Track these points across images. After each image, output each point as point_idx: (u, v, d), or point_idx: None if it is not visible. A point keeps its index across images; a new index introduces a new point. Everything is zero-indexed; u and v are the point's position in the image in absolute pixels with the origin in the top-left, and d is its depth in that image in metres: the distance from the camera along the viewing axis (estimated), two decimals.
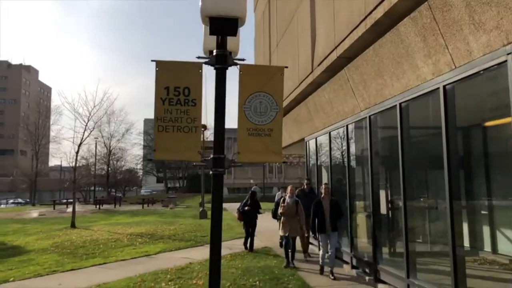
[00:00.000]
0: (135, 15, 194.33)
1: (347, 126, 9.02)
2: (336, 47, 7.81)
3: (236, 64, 3.93)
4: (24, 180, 53.28)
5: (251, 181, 56.13)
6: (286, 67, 4.11)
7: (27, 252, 12.16)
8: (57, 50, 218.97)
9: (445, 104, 5.43)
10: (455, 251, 5.42)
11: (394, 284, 6.90)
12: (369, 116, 7.78)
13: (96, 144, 49.52)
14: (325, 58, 8.49)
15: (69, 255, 11.42)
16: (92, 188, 51.25)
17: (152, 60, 3.88)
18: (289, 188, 9.77)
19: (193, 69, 3.91)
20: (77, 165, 21.81)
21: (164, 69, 3.89)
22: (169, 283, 7.80)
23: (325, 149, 10.76)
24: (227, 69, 3.92)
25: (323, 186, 8.81)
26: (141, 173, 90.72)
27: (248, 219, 11.59)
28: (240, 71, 3.97)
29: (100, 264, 9.96)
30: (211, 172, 3.82)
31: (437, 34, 5.05)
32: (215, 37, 3.90)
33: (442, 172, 5.93)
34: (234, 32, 3.84)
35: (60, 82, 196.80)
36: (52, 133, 54.72)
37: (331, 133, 10.14)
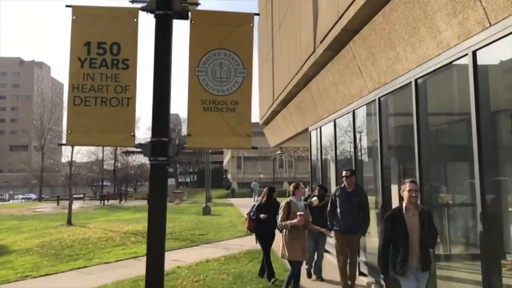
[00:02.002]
0: None
1: (353, 111, 7.83)
2: (340, 18, 6.62)
3: (185, 10, 2.81)
4: (35, 175, 53.04)
5: (261, 175, 55.06)
6: (257, 14, 2.97)
7: (8, 253, 11.31)
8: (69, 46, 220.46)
9: (475, 77, 4.24)
10: (486, 255, 4.25)
11: None
12: (379, 98, 6.59)
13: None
14: (328, 33, 7.31)
15: (51, 256, 10.50)
16: (103, 183, 50.87)
17: (67, 6, 2.78)
18: (300, 188, 6.33)
19: (125, 17, 2.80)
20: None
21: (83, 17, 2.79)
22: None
23: (330, 139, 9.59)
24: (173, 17, 2.80)
25: (407, 185, 4.38)
26: None
27: (264, 232, 7.39)
28: (191, 20, 2.85)
29: (79, 268, 9.00)
30: (149, 162, 2.73)
31: None
32: None
33: (468, 164, 4.77)
34: None
35: None
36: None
37: (336, 121, 8.97)
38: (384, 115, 6.73)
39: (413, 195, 4.33)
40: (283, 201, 6.36)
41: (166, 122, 2.73)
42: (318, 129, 10.52)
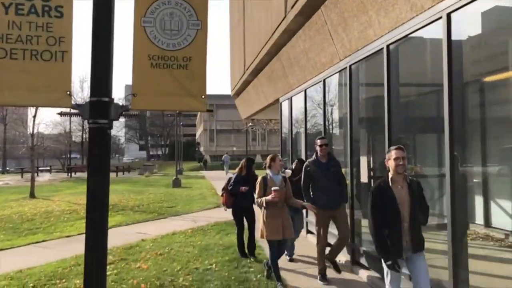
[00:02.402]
0: None
1: (324, 81, 7.60)
2: None
3: None
4: None
5: (234, 148, 54.90)
6: None
7: None
8: None
9: (448, 42, 4.04)
10: (455, 225, 4.18)
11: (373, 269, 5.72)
12: (350, 66, 6.36)
13: (70, 110, 47.23)
14: None
15: (8, 230, 10.03)
16: (75, 156, 49.38)
17: None
18: (277, 160, 5.67)
19: None
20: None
21: None
22: (108, 267, 6.48)
23: (301, 111, 9.37)
24: None
25: (393, 152, 3.80)
26: (123, 141, 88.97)
27: (244, 207, 6.82)
28: None
29: (38, 242, 8.61)
30: (88, 125, 2.40)
31: None
32: None
33: (437, 136, 4.66)
34: None
35: None
36: None
37: (307, 91, 8.73)
38: (355, 84, 6.53)
39: (400, 163, 3.68)
40: (260, 175, 5.87)
41: (107, 79, 2.38)
42: (289, 100, 10.28)
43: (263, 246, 7.05)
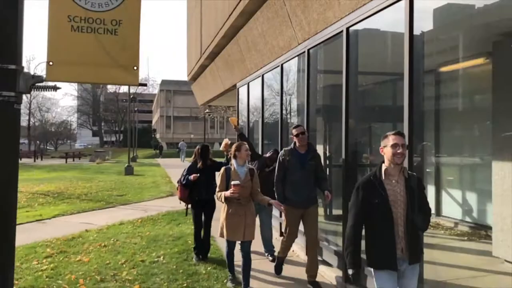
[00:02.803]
0: None
1: (281, 65, 7.32)
2: None
3: None
4: None
5: (192, 136, 54.01)
6: None
7: None
8: None
9: (410, 25, 3.85)
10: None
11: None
12: (308, 50, 6.10)
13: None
14: None
15: None
16: (23, 141, 46.57)
17: None
18: (243, 149, 4.78)
19: None
20: None
21: None
22: (45, 260, 5.95)
23: (258, 97, 9.07)
24: None
25: (391, 138, 3.01)
26: (75, 126, 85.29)
27: (202, 200, 5.92)
28: None
29: None
30: None
31: None
32: None
33: (396, 126, 4.52)
34: None
35: None
36: None
37: (265, 76, 8.43)
38: (313, 69, 6.30)
39: (399, 151, 2.92)
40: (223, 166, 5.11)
41: (13, 42, 1.95)
42: (246, 86, 9.95)
43: (221, 246, 6.27)
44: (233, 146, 4.82)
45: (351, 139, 5.18)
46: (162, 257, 6.10)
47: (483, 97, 6.21)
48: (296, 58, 6.74)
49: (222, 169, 4.81)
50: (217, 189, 4.73)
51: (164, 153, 44.08)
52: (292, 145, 5.11)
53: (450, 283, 4.80)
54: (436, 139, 6.19)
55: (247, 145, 4.85)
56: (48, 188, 14.47)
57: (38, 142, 58.14)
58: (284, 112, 7.76)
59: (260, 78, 8.64)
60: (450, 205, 6.50)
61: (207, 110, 32.20)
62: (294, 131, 5.01)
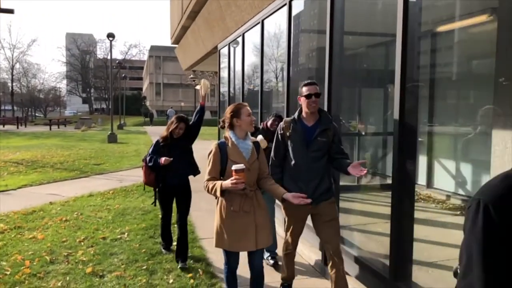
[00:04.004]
0: None
1: (262, 22, 6.56)
2: None
3: None
4: None
5: (182, 104, 52.99)
6: None
7: None
8: None
9: None
10: (399, 185, 3.44)
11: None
12: (290, 2, 5.35)
13: None
14: None
15: None
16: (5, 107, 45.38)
17: None
18: (244, 113, 3.07)
19: None
20: None
21: None
22: None
23: (239, 59, 8.33)
24: None
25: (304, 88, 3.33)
26: (65, 93, 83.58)
27: (174, 185, 4.55)
28: None
29: None
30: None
31: None
32: None
33: (384, 91, 3.88)
34: None
35: None
36: None
37: (245, 35, 7.67)
38: (295, 25, 5.57)
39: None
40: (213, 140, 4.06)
41: None
42: (227, 47, 9.17)
43: (205, 246, 5.06)
44: (228, 110, 3.10)
45: (334, 105, 4.52)
46: (126, 233, 5.53)
47: (485, 60, 5.59)
48: (278, 12, 5.98)
49: (214, 145, 3.08)
50: (206, 176, 3.03)
51: (155, 121, 43.17)
52: (296, 113, 3.50)
53: (441, 264, 4.29)
54: (430, 106, 5.62)
55: (248, 107, 3.10)
56: (23, 157, 13.77)
57: (25, 109, 56.83)
58: (265, 76, 7.06)
59: (241, 38, 7.88)
60: (442, 176, 6.02)
61: (191, 76, 31.14)
62: (305, 90, 3.35)
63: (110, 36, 19.89)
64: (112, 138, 19.28)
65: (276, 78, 7.12)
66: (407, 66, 3.22)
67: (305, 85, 3.39)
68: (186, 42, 13.67)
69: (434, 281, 3.88)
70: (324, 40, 4.46)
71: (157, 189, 4.62)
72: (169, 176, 4.47)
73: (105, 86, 68.89)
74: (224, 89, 10.66)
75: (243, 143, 3.04)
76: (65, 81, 75.07)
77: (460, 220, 5.31)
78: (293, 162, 3.43)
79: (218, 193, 2.92)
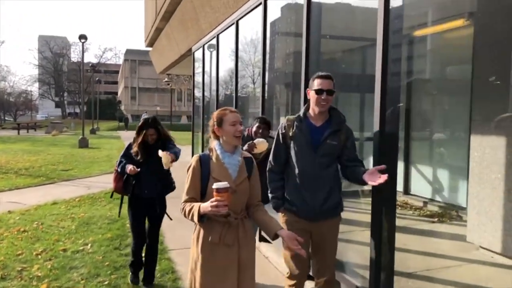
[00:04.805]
0: None
1: (237, 22, 6.33)
2: None
3: None
4: None
5: (158, 108, 52.23)
6: None
7: None
8: None
9: None
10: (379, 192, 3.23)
11: None
12: (265, 2, 5.14)
13: None
14: None
15: None
16: None
17: None
18: (229, 118, 2.43)
19: None
20: None
21: None
22: None
23: (213, 61, 8.07)
24: None
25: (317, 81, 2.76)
26: (36, 96, 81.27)
27: (147, 198, 3.85)
28: None
29: None
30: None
31: None
32: None
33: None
34: None
35: None
36: None
37: (220, 36, 7.42)
38: (272, 26, 5.35)
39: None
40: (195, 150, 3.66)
41: None
42: (202, 49, 8.90)
43: (174, 258, 4.64)
44: (214, 115, 2.49)
45: None
46: (89, 244, 5.15)
47: (463, 65, 5.52)
48: (253, 12, 5.76)
49: (194, 158, 2.48)
50: (184, 196, 2.44)
51: (130, 125, 42.27)
52: (302, 109, 2.92)
53: (420, 275, 4.11)
54: (407, 112, 5.53)
55: (236, 113, 2.47)
56: None
57: None
58: (241, 81, 6.82)
59: (215, 40, 7.62)
60: (419, 182, 5.91)
61: (166, 79, 30.66)
62: (316, 83, 2.75)
63: (82, 37, 19.30)
64: (83, 143, 18.65)
65: (254, 83, 6.89)
66: (388, 70, 3.03)
67: (318, 77, 2.78)
68: (160, 44, 13.32)
69: None
70: (300, 43, 4.26)
71: (123, 199, 4.03)
72: (140, 186, 3.80)
73: (79, 90, 67.30)
74: (199, 93, 10.37)
75: (230, 158, 2.43)
76: (37, 84, 73.13)
77: (438, 227, 5.19)
78: (297, 168, 2.83)
79: (195, 218, 2.30)
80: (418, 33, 5.18)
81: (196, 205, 2.32)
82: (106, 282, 4.03)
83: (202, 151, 8.91)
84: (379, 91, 2.98)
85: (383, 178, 2.50)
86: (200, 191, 2.42)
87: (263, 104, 5.37)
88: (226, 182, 2.21)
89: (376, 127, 3.02)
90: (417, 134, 5.94)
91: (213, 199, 2.19)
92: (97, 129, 32.04)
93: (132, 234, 4.05)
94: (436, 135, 6.25)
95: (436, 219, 5.40)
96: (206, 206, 2.23)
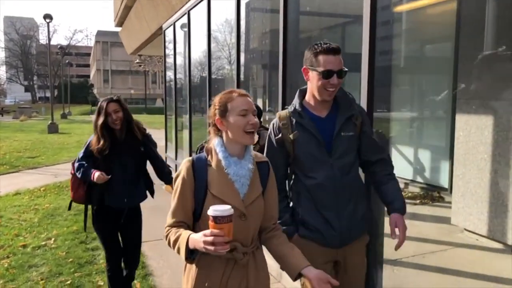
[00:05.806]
0: None
1: None
2: None
3: None
4: None
5: (132, 91, 51.01)
6: None
7: None
8: None
9: None
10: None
11: None
12: None
13: None
14: None
15: None
16: None
17: None
18: (237, 102, 1.58)
19: None
20: None
21: None
22: None
23: (185, 40, 7.61)
24: None
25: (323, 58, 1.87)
26: (4, 81, 78.11)
27: (119, 208, 2.96)
28: None
29: None
30: None
31: None
32: None
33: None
34: None
35: None
36: None
37: (191, 12, 6.95)
38: (247, 3, 4.96)
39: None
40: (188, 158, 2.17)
41: None
42: (173, 27, 8.39)
43: (145, 251, 4.27)
44: (216, 100, 1.64)
45: (289, 93, 3.95)
46: (53, 239, 4.77)
47: (446, 42, 5.30)
48: None
49: (184, 163, 1.64)
50: (169, 218, 1.62)
51: None
52: (296, 99, 2.09)
53: (405, 261, 3.90)
54: (387, 90, 5.28)
55: (247, 97, 1.62)
56: None
57: None
58: (217, 63, 6.42)
59: (186, 16, 7.15)
60: (400, 163, 5.73)
61: (137, 61, 29.75)
62: (322, 60, 1.91)
63: (48, 17, 18.32)
64: (53, 128, 17.88)
65: (230, 63, 6.49)
66: (375, 49, 2.70)
67: (324, 51, 1.91)
68: (130, 23, 12.67)
69: (401, 282, 3.50)
70: (277, 20, 3.89)
71: (87, 209, 3.00)
72: (111, 195, 2.91)
73: (47, 74, 64.90)
74: (171, 75, 9.88)
75: (237, 165, 1.60)
76: (3, 68, 70.20)
77: (420, 209, 5.03)
78: (309, 180, 2.00)
79: (181, 253, 1.51)
80: (398, 8, 4.92)
81: (184, 234, 1.52)
82: (68, 282, 3.68)
83: (176, 136, 8.47)
84: (367, 70, 2.67)
85: (398, 245, 1.97)
86: (192, 211, 1.62)
87: (238, 87, 5.01)
88: (228, 207, 1.41)
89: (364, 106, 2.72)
90: (397, 114, 5.74)
91: (207, 232, 1.40)
92: (69, 114, 31.01)
93: (106, 253, 3.08)
94: (417, 115, 6.08)
95: (418, 201, 5.25)
96: (197, 240, 1.44)
